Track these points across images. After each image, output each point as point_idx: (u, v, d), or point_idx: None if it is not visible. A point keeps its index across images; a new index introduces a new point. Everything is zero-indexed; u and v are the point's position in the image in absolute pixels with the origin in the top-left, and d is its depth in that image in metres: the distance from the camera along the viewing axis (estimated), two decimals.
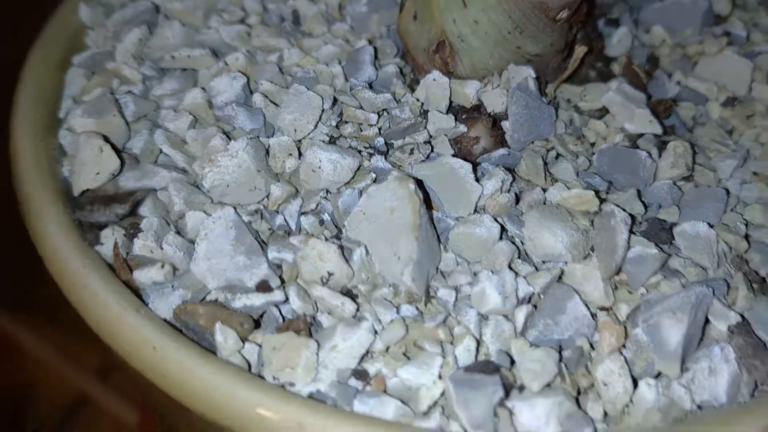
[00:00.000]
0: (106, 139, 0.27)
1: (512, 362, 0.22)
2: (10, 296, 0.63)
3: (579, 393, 0.22)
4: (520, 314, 0.23)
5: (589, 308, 0.23)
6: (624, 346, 0.23)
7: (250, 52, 0.32)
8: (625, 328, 0.23)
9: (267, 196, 0.26)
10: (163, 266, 0.24)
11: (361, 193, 0.25)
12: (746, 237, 0.26)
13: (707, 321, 0.23)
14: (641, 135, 0.30)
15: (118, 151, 0.27)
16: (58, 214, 0.25)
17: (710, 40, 0.35)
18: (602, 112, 0.31)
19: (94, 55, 0.33)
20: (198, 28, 0.33)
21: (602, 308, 0.24)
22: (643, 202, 0.26)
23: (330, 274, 0.23)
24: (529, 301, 0.23)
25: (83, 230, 0.25)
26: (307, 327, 0.22)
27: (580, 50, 0.31)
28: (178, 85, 0.31)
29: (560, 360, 0.22)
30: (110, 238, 0.25)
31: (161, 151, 0.28)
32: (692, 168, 0.28)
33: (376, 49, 0.31)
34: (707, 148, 0.30)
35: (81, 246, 0.24)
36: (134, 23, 0.33)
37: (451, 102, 0.29)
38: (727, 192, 0.27)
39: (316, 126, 0.27)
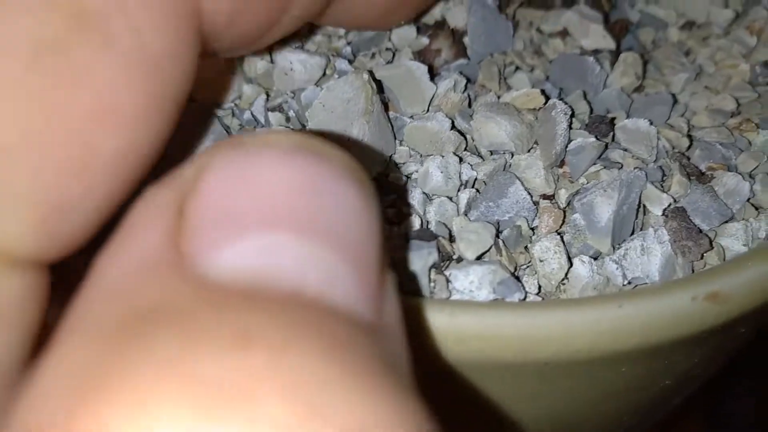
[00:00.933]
0: None
1: (452, 239, 0.23)
2: None
3: (516, 270, 0.23)
4: (463, 196, 0.23)
5: (531, 195, 0.24)
6: (562, 228, 0.24)
7: None
8: (564, 213, 0.24)
9: (239, 97, 0.27)
10: None
11: (321, 89, 0.26)
12: (689, 136, 0.27)
13: (643, 208, 0.24)
14: (598, 51, 0.31)
15: None
16: None
17: None
18: (563, 34, 0.32)
19: None
20: None
21: (544, 196, 0.24)
22: (588, 103, 0.27)
23: None
24: (472, 186, 0.24)
25: None
26: None
27: None
28: None
29: (498, 236, 0.23)
30: None
31: None
32: (642, 77, 0.29)
33: None
34: (662, 66, 0.31)
35: None
36: None
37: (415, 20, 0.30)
38: (675, 99, 0.28)
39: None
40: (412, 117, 0.26)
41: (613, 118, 0.26)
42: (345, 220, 0.13)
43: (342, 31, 0.29)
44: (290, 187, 0.13)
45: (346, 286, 0.13)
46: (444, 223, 0.22)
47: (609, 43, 0.30)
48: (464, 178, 0.24)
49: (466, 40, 0.30)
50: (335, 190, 0.13)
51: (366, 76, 0.25)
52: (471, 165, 0.24)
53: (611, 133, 0.26)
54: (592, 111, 0.27)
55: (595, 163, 0.25)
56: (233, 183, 0.13)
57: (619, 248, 0.23)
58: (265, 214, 0.13)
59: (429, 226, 0.23)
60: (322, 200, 0.13)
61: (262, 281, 0.12)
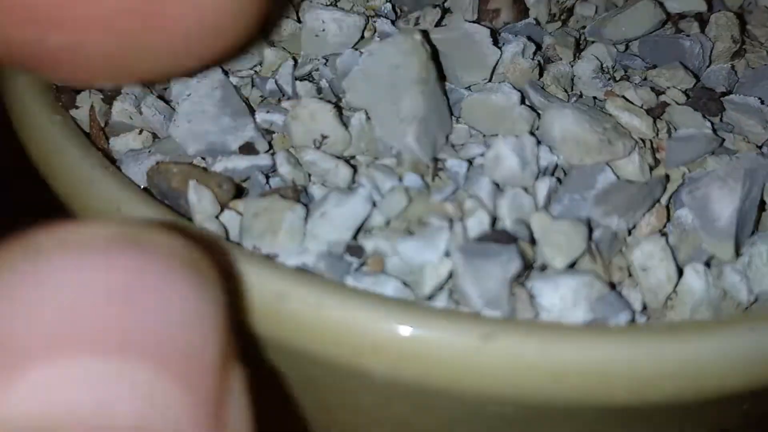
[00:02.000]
0: None
1: (532, 240, 0.18)
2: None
3: (612, 282, 0.18)
4: (542, 186, 0.18)
5: None
6: (665, 227, 0.19)
7: None
8: (668, 209, 0.19)
9: (260, 63, 0.22)
10: (141, 132, 0.20)
11: (362, 53, 0.21)
12: None
13: (763, 204, 0.19)
14: (683, 16, 0.25)
15: None
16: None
17: None
18: None
19: None
20: None
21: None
22: (694, 75, 0.22)
23: (324, 137, 0.19)
24: (552, 174, 0.19)
25: (58, 92, 0.22)
26: (296, 195, 0.18)
27: None
28: None
29: (590, 239, 0.18)
30: (87, 102, 0.21)
31: None
32: (741, 41, 0.23)
33: None
34: (757, 35, 0.26)
35: (53, 105, 0.20)
36: None
37: None
38: None
39: None
40: (470, 88, 0.21)
41: (723, 94, 0.21)
42: (169, 326, 0.11)
43: None
44: (94, 297, 0.10)
45: (170, 410, 0.10)
46: (524, 223, 0.17)
47: (700, 5, 0.24)
48: (543, 163, 0.19)
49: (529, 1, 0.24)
50: (158, 291, 0.11)
51: (418, 36, 0.20)
52: (550, 147, 0.19)
53: (721, 112, 0.20)
54: (697, 82, 0.22)
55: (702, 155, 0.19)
56: (13, 303, 0.10)
57: (741, 255, 0.18)
58: (56, 336, 0.10)
59: (503, 225, 0.18)
60: (137, 307, 0.10)
61: (54, 426, 0.09)
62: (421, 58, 0.19)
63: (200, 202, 0.17)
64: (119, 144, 0.20)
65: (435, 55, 0.20)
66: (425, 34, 0.20)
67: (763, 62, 0.24)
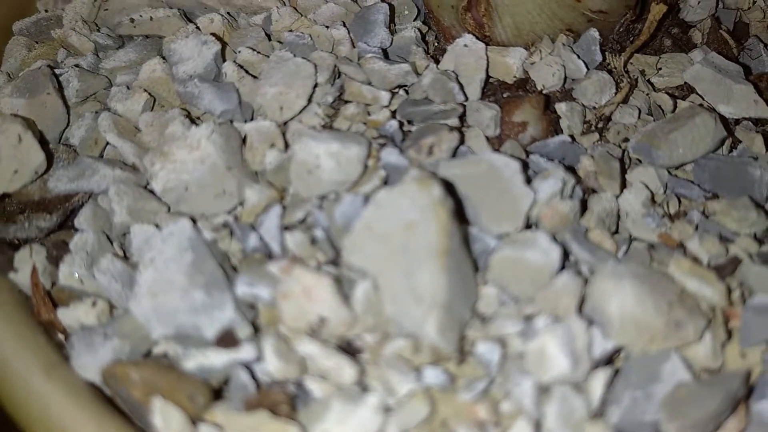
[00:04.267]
0: (33, 126, 0.20)
1: None
2: None
3: None
4: (597, 383, 0.15)
5: (694, 374, 0.16)
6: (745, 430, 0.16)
7: (230, 14, 0.25)
8: (746, 403, 0.16)
9: (240, 204, 0.19)
10: (94, 304, 0.17)
11: (367, 199, 0.18)
12: None
13: None
14: (738, 121, 0.22)
15: (45, 143, 0.20)
16: None
17: None
18: (684, 92, 0.24)
19: (39, 21, 0.26)
20: None
21: (708, 370, 0.16)
22: (767, 213, 0.19)
23: (322, 320, 0.16)
24: (608, 363, 0.16)
25: None
26: (289, 401, 0.15)
27: (658, 9, 0.23)
28: (136, 55, 0.24)
29: None
30: (27, 262, 0.18)
31: (108, 142, 0.21)
32: None
33: (392, 8, 0.24)
34: None
35: None
36: None
37: (488, 76, 0.22)
38: None
39: (308, 102, 0.20)
40: (499, 238, 0.18)
41: None
42: None
43: (384, 98, 0.21)
44: None
45: None
46: None
47: (763, 111, 0.21)
48: (596, 353, 0.15)
49: (561, 106, 0.21)
50: None
51: (438, 191, 0.16)
52: (603, 329, 0.16)
53: None
54: None
55: None
56: None
57: None
58: None
59: None
60: None
61: None
62: (441, 220, 0.16)
63: (168, 425, 0.14)
64: (69, 317, 0.17)
65: (458, 207, 0.17)
66: (444, 182, 0.17)
67: None
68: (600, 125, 0.22)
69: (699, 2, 0.26)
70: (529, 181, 0.18)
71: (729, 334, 0.17)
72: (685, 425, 0.14)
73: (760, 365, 0.16)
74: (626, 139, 0.21)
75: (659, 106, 0.22)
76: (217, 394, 0.16)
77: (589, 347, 0.15)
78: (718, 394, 0.15)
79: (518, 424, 0.15)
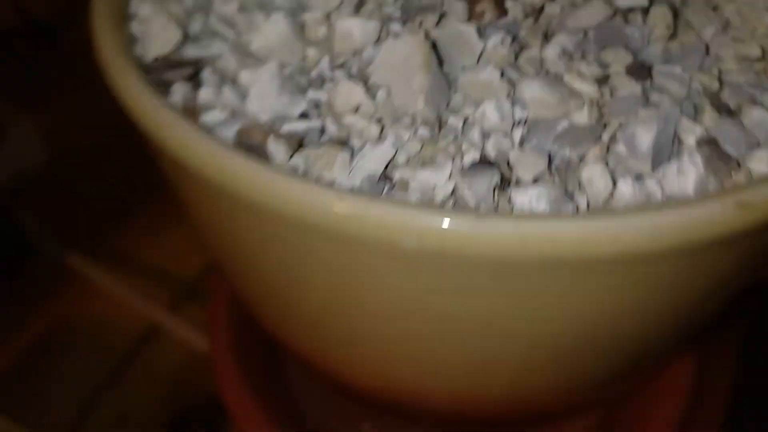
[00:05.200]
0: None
1: (510, 167, 0.26)
2: (88, 244, 0.68)
3: (567, 190, 0.26)
4: (517, 132, 0.27)
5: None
6: (607, 157, 0.27)
7: None
8: (608, 146, 0.27)
9: (303, 58, 0.31)
10: (223, 109, 0.29)
11: (381, 49, 0.30)
12: (719, 80, 0.30)
13: (678, 139, 0.27)
14: (631, 9, 0.34)
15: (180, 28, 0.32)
16: (135, 75, 0.30)
17: None
18: None
19: None
20: None
21: (590, 129, 0.28)
22: (633, 54, 0.30)
23: (358, 106, 0.28)
24: (524, 124, 0.28)
25: (156, 87, 0.30)
26: (343, 144, 0.27)
27: None
28: None
29: (550, 164, 0.26)
30: (179, 91, 0.30)
31: (215, 33, 0.33)
32: (674, 29, 0.32)
33: None
34: (692, 21, 0.34)
35: (156, 92, 0.29)
36: None
37: None
38: (707, 49, 0.31)
39: (341, 2, 0.32)
40: (463, 68, 0.30)
41: (651, 66, 0.30)
42: None
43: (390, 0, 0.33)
44: None
45: None
46: (503, 154, 0.26)
47: (642, 1, 0.33)
48: (517, 117, 0.27)
49: (509, 2, 0.33)
50: None
51: (422, 36, 0.28)
52: (522, 106, 0.28)
53: (649, 78, 0.29)
54: (635, 59, 0.30)
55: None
56: None
57: (657, 171, 0.26)
58: None
59: (489, 157, 0.26)
60: None
61: None
62: (424, 51, 0.28)
63: (277, 151, 0.26)
64: (208, 118, 0.29)
65: (435, 48, 0.29)
66: (427, 34, 0.29)
67: (692, 44, 0.32)
68: (535, 15, 0.34)
69: None
70: (481, 37, 0.30)
71: (601, 115, 0.28)
72: (562, 144, 0.26)
73: (617, 126, 0.28)
74: (551, 22, 0.33)
75: (573, 4, 0.34)
76: (301, 144, 0.28)
77: (512, 113, 0.27)
78: (584, 130, 0.26)
79: (471, 151, 0.26)
